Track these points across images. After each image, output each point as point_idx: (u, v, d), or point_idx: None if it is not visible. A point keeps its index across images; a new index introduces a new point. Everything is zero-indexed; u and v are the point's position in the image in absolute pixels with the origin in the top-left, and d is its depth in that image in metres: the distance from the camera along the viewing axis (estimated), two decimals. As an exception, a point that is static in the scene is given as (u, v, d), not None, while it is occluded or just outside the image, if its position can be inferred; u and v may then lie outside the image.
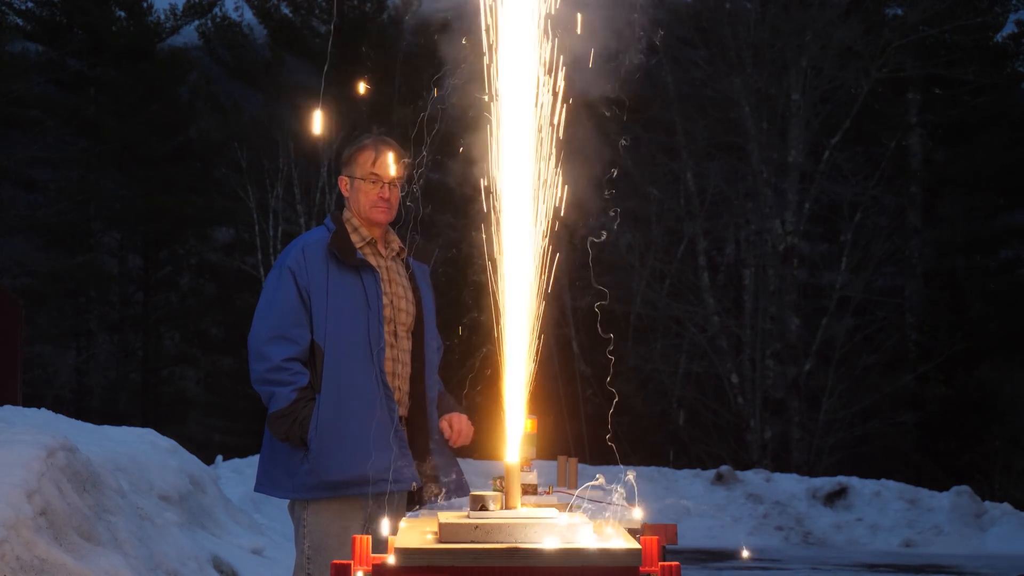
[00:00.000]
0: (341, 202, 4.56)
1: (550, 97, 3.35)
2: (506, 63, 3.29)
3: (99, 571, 5.44)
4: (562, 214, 3.33)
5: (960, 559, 13.01)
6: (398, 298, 4.44)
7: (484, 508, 3.08)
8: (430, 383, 4.47)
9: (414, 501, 4.48)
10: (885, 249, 22.92)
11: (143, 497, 6.86)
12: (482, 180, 3.31)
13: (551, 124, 3.34)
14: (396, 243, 4.54)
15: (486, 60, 3.33)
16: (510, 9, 3.26)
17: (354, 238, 4.42)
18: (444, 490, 4.44)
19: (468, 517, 3.04)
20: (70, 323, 26.94)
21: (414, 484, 4.34)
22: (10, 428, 6.01)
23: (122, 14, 27.33)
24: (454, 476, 4.48)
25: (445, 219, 24.60)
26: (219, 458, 13.47)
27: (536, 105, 3.32)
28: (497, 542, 2.90)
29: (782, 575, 11.54)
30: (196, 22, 27.62)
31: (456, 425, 4.46)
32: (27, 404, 9.00)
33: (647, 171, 22.96)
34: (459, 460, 4.61)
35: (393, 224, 4.55)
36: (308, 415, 4.24)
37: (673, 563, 2.85)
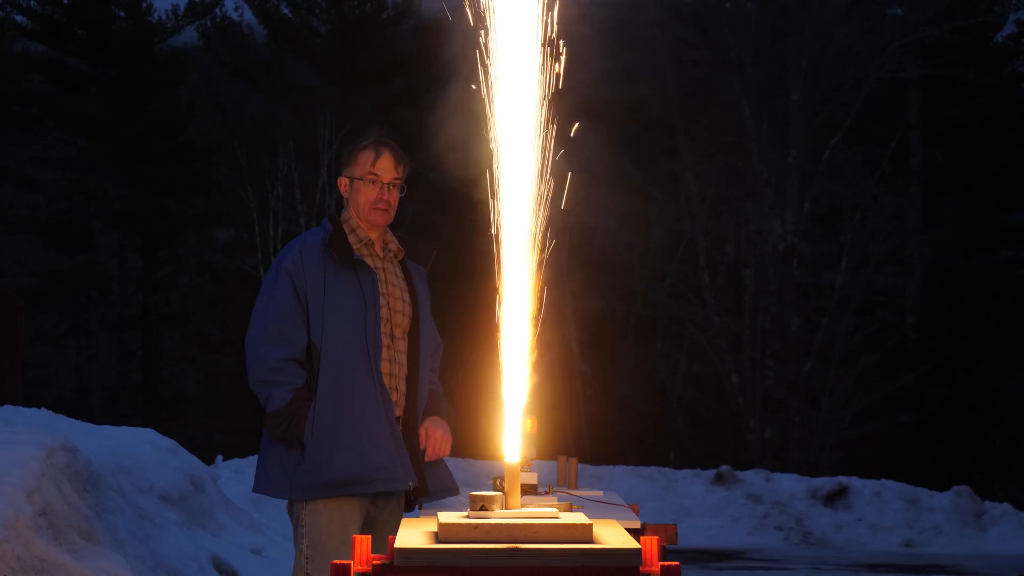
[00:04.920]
0: (341, 203, 4.56)
1: (550, 96, 3.35)
2: (503, 63, 3.30)
3: (99, 571, 5.44)
4: (564, 206, 3.33)
5: (960, 559, 13.01)
6: (395, 299, 4.43)
7: (484, 508, 3.08)
8: (422, 384, 4.47)
9: (411, 501, 4.48)
10: (885, 249, 22.91)
11: (143, 497, 6.86)
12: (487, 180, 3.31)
13: (551, 121, 3.35)
14: (394, 244, 4.53)
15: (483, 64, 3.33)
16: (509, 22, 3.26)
17: (351, 239, 4.42)
18: (431, 491, 4.44)
19: (468, 517, 3.04)
20: (70, 323, 26.93)
21: (411, 483, 4.34)
22: (10, 428, 6.01)
23: (122, 14, 27.33)
24: (440, 476, 4.47)
25: (443, 219, 24.61)
26: (219, 458, 13.45)
27: (539, 103, 3.32)
28: (497, 542, 2.90)
29: (782, 575, 11.54)
30: (196, 22, 27.65)
31: (431, 440, 4.42)
32: (27, 404, 9.00)
33: (647, 171, 22.99)
34: (459, 460, 4.62)
35: (392, 225, 4.55)
36: (304, 415, 4.24)
37: (673, 563, 2.85)
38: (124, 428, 8.29)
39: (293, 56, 27.40)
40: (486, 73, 3.32)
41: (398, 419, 4.38)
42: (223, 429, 25.93)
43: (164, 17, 27.56)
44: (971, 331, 23.89)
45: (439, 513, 3.23)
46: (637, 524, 4.28)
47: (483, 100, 3.34)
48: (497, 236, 3.30)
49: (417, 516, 3.70)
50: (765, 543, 14.05)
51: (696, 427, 23.11)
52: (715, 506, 14.90)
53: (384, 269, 4.46)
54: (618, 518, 3.78)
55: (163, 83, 26.88)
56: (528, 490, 4.50)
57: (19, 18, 26.97)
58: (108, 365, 26.80)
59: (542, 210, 3.29)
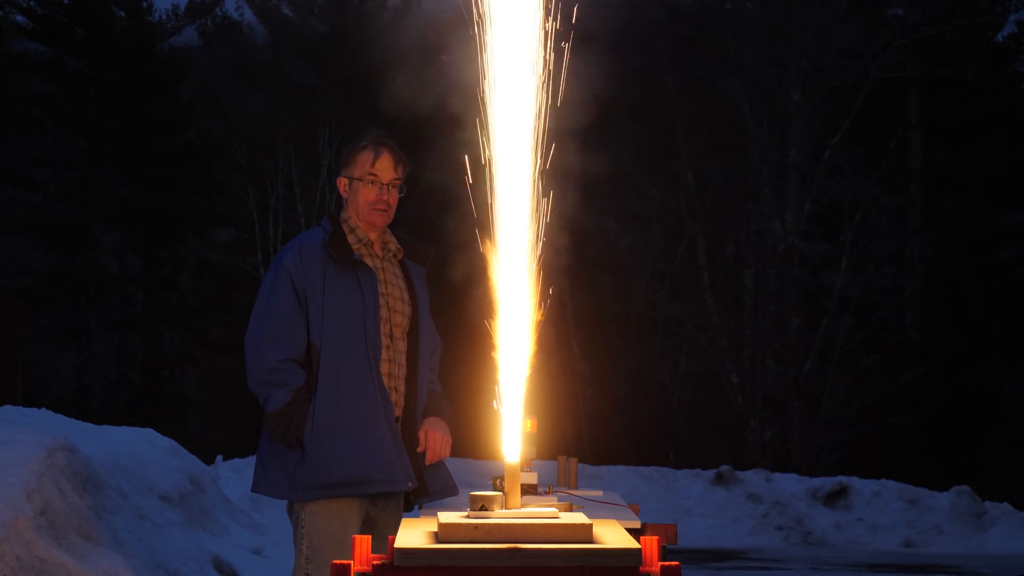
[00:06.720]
0: (341, 203, 4.56)
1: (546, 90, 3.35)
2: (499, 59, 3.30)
3: (99, 571, 5.44)
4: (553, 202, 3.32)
5: (960, 559, 13.01)
6: (394, 299, 4.43)
7: (484, 508, 3.08)
8: (422, 384, 4.47)
9: (411, 501, 4.48)
10: (885, 249, 22.90)
11: (143, 497, 6.86)
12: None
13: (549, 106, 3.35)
14: (393, 244, 4.53)
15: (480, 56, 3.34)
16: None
17: (351, 239, 4.41)
18: (431, 491, 4.44)
19: (468, 517, 3.04)
20: (70, 323, 26.93)
21: (410, 484, 4.34)
22: (10, 428, 6.00)
23: (122, 14, 27.34)
24: (439, 477, 4.47)
25: (443, 219, 24.59)
26: (219, 458, 13.45)
27: (538, 90, 3.32)
28: (497, 542, 2.90)
29: (782, 575, 11.54)
30: (196, 22, 27.65)
31: (431, 441, 4.41)
32: (27, 404, 8.99)
33: (647, 171, 22.99)
34: (459, 460, 4.62)
35: (391, 225, 4.54)
36: (304, 415, 4.24)
37: (673, 563, 2.85)
38: (124, 428, 8.29)
39: (293, 56, 27.40)
40: (485, 74, 3.33)
41: (397, 419, 4.37)
42: (223, 429, 25.93)
43: (164, 17, 27.58)
44: (971, 331, 23.88)
45: (439, 513, 3.23)
46: (637, 524, 4.28)
47: (482, 98, 3.34)
48: (492, 233, 3.30)
49: (417, 516, 3.70)
50: (765, 543, 14.05)
51: (696, 427, 23.10)
52: (715, 506, 14.89)
53: (383, 269, 4.46)
54: (618, 518, 3.78)
55: (163, 83, 26.88)
56: (528, 490, 4.50)
57: (19, 18, 26.99)
58: (108, 365, 26.80)
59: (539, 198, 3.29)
